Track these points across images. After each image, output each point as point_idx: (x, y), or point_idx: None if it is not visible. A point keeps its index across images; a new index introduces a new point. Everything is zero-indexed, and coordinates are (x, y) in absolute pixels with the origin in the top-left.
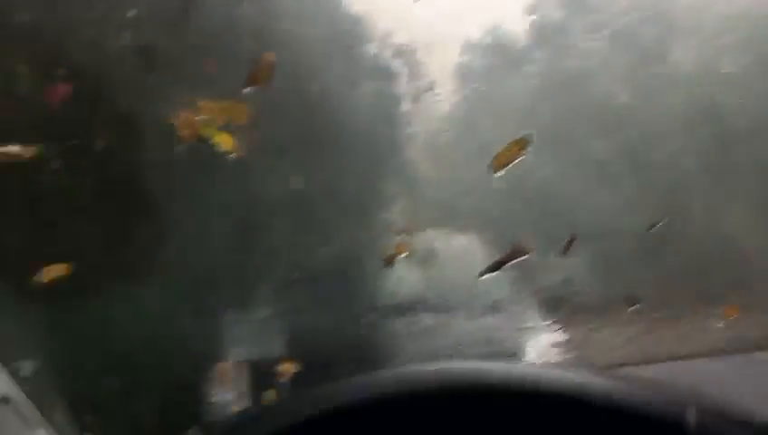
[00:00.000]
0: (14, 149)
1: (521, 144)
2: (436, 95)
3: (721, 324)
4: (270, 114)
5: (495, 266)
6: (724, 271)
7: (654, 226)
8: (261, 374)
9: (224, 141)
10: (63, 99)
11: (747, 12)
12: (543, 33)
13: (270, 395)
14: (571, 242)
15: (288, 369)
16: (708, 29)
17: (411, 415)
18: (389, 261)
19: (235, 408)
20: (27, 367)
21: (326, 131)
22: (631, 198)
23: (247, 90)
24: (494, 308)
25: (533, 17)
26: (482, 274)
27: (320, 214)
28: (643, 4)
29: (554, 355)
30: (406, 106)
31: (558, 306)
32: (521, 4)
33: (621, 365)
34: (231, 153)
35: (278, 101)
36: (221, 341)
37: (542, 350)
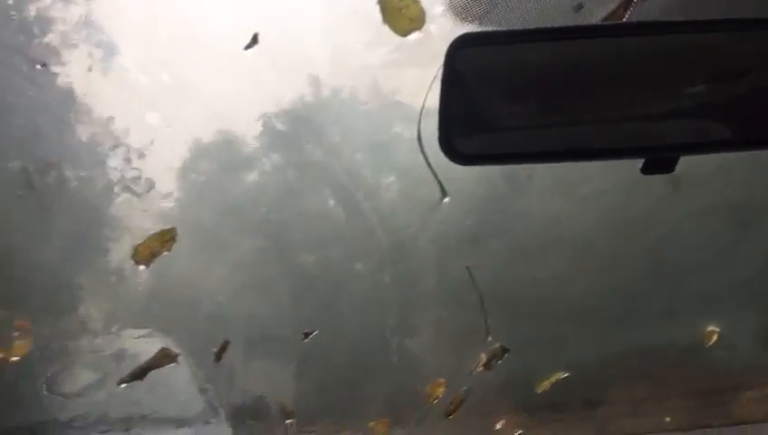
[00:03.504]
0: None
1: (164, 237)
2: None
3: None
4: None
5: (139, 374)
6: (375, 384)
7: (308, 335)
8: None
9: None
10: None
11: None
12: (273, 141)
13: None
14: (224, 348)
15: None
16: None
17: None
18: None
19: None
20: None
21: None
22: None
23: None
24: (132, 423)
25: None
26: (122, 381)
27: None
28: None
29: None
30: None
31: (207, 418)
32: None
33: None
34: None
35: None
36: None
37: None
